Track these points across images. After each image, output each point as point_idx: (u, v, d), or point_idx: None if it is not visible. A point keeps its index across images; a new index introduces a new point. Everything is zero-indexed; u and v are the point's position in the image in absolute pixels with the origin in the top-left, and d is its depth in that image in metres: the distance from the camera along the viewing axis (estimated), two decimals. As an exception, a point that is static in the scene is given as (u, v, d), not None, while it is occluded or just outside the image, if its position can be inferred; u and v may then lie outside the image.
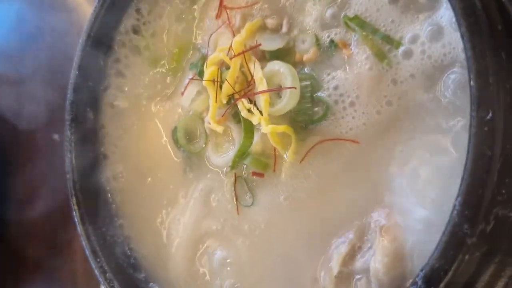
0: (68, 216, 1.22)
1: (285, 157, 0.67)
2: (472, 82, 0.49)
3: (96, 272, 0.74)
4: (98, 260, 0.75)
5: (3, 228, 1.30)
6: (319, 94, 0.65)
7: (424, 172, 0.58)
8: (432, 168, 0.58)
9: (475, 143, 0.48)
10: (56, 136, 1.30)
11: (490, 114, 0.48)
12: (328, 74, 0.65)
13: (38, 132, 1.33)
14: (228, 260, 0.71)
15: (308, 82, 0.65)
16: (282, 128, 0.64)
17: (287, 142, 0.66)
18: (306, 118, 0.66)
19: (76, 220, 0.77)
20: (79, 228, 0.77)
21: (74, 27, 1.28)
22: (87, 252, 0.76)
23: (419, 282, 0.52)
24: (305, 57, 0.66)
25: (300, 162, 0.66)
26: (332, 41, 0.65)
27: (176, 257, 0.75)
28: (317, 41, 0.66)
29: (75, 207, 0.77)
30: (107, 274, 0.74)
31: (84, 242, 0.76)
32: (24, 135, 1.33)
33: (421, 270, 0.52)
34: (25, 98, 1.34)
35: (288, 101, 0.64)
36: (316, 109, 0.66)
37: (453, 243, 0.50)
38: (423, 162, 0.59)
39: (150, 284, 0.76)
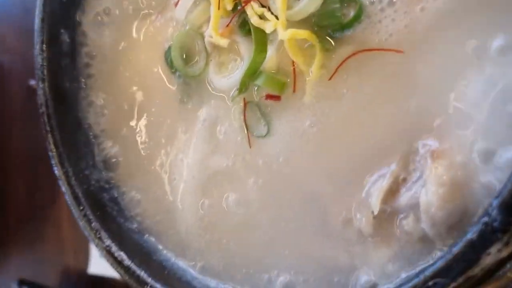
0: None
1: (310, 72, 0.53)
2: None
3: (79, 222, 0.62)
4: (82, 207, 0.62)
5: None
6: None
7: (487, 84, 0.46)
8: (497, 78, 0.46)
9: None
10: (32, 82, 1.16)
11: None
12: None
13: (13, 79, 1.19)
14: (243, 203, 0.59)
15: None
16: (304, 33, 0.51)
17: (310, 55, 0.54)
18: (333, 22, 0.53)
19: (52, 162, 0.64)
20: (57, 171, 0.64)
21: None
22: (68, 198, 0.63)
23: (493, 213, 0.40)
24: None
25: (330, 79, 0.53)
26: None
27: (183, 205, 0.62)
28: None
29: (52, 146, 0.65)
30: (93, 224, 0.61)
31: (64, 187, 0.64)
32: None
33: (496, 197, 0.40)
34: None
35: (310, 0, 0.51)
36: (345, 10, 0.53)
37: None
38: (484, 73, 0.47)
39: (146, 236, 0.64)
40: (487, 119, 0.45)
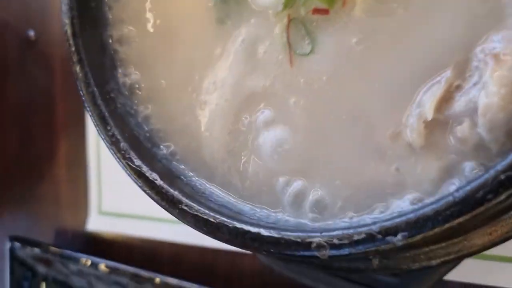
0: (49, 124, 1.05)
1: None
2: None
3: (106, 142, 0.59)
4: (109, 127, 0.59)
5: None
6: None
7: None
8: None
9: None
10: (32, 33, 1.12)
11: None
12: None
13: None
14: (280, 126, 0.57)
15: None
16: None
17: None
18: None
19: (77, 82, 0.61)
20: (82, 91, 0.61)
21: None
22: (94, 118, 0.60)
23: None
24: None
25: (382, -9, 0.52)
26: None
27: (212, 129, 0.60)
28: None
29: (77, 66, 0.61)
30: (121, 144, 0.58)
31: (88, 108, 0.60)
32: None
33: None
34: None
35: None
36: None
37: None
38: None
39: (174, 163, 0.62)
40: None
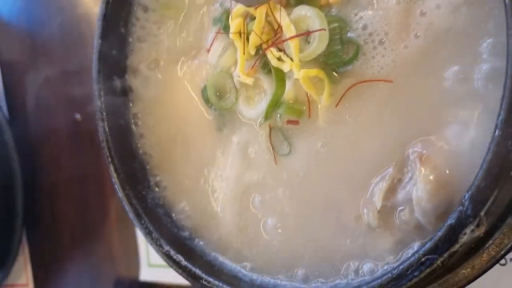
0: (100, 193, 1.25)
1: (321, 101, 0.67)
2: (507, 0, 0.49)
3: (142, 233, 0.77)
4: (143, 221, 0.77)
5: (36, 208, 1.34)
6: (348, 35, 0.65)
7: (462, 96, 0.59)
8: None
9: (515, 59, 0.49)
10: (77, 116, 1.32)
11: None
12: (356, 14, 0.65)
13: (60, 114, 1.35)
14: (272, 210, 0.73)
15: (336, 24, 0.65)
16: (314, 72, 0.65)
17: (320, 87, 0.67)
18: (337, 61, 0.66)
19: (116, 187, 0.79)
20: (120, 193, 0.79)
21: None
22: (131, 215, 0.78)
23: (466, 203, 0.53)
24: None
25: (336, 106, 0.67)
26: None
27: (224, 213, 0.76)
28: None
29: (114, 174, 0.79)
30: (153, 234, 0.76)
31: (126, 207, 0.78)
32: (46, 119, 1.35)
33: (467, 191, 0.53)
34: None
35: (318, 44, 0.64)
36: (346, 50, 0.66)
37: (498, 161, 0.51)
38: (457, 88, 0.60)
39: (196, 241, 0.78)
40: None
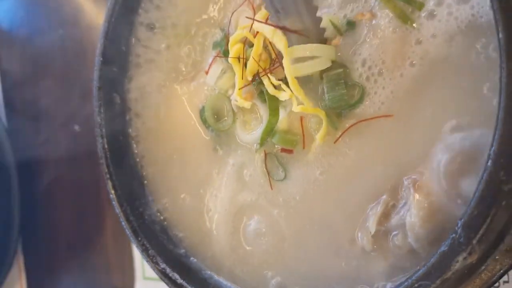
0: (96, 203, 1.25)
1: (315, 137, 0.68)
2: (500, 35, 0.50)
3: (139, 250, 0.77)
4: (139, 238, 0.77)
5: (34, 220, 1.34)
6: (352, 78, 0.66)
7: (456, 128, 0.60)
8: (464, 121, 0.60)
9: (507, 93, 0.50)
10: (76, 127, 1.33)
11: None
12: (354, 53, 0.66)
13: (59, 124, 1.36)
14: (266, 230, 0.74)
15: (340, 70, 0.66)
16: (311, 110, 0.65)
17: (317, 122, 0.68)
18: (342, 104, 0.66)
19: (113, 203, 0.80)
20: (117, 210, 0.79)
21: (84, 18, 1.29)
22: (128, 232, 0.78)
23: (459, 231, 0.54)
24: (333, 43, 0.67)
25: (335, 142, 0.67)
26: (348, 21, 0.67)
27: (218, 232, 0.77)
28: (335, 26, 0.67)
29: (112, 190, 0.80)
30: (150, 251, 0.76)
31: (124, 223, 0.79)
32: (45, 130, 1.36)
33: (460, 219, 0.54)
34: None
35: (315, 62, 0.64)
36: (351, 93, 0.66)
37: (490, 190, 0.52)
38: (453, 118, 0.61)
39: (191, 259, 0.79)
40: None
